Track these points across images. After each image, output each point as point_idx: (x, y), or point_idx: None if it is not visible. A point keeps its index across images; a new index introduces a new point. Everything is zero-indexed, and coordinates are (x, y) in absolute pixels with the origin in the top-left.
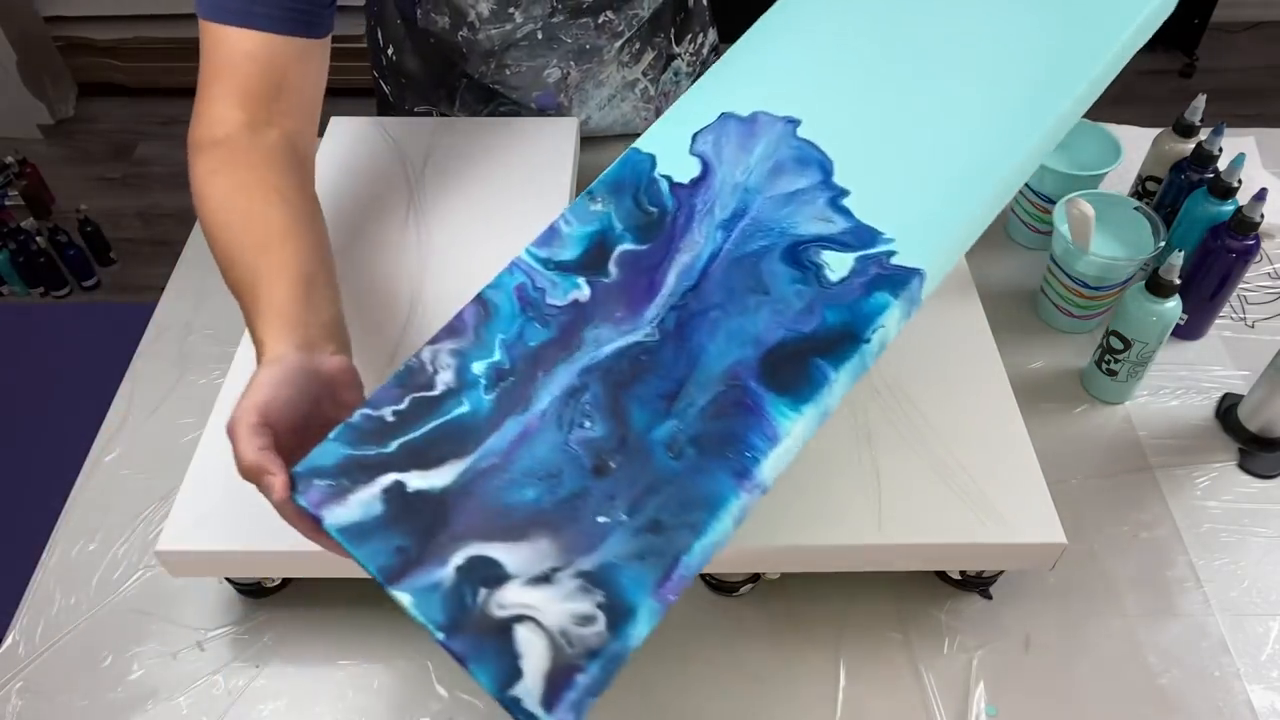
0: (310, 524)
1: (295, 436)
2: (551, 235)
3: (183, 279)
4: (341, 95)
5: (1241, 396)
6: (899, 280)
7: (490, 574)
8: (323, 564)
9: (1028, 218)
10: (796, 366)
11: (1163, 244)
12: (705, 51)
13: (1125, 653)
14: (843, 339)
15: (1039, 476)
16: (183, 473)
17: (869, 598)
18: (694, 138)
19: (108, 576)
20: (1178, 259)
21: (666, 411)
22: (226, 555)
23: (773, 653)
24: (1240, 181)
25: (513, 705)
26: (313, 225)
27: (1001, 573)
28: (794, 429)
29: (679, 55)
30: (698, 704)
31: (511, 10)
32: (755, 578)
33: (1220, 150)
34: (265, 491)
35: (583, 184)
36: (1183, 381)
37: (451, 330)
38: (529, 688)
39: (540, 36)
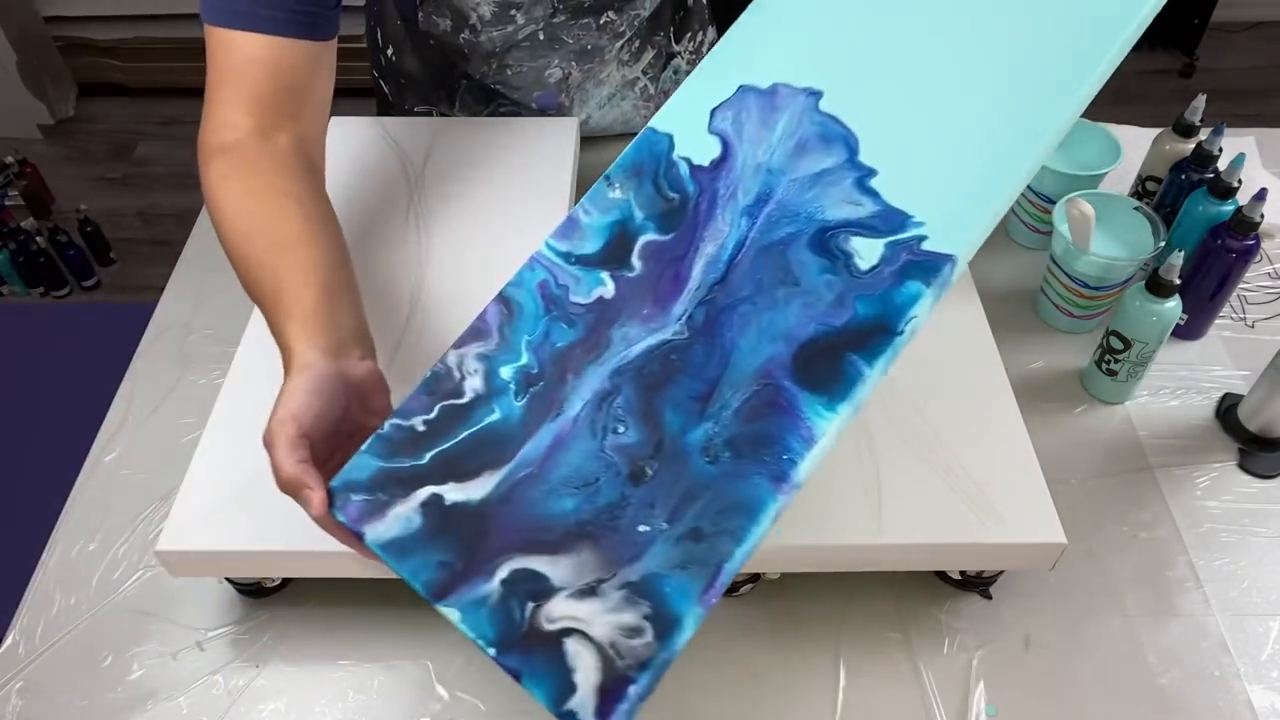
0: (350, 535)
1: (328, 444)
2: (571, 226)
3: (183, 279)
4: (341, 95)
5: (1241, 396)
6: (931, 267)
7: (536, 587)
8: (323, 564)
9: (1028, 218)
10: (830, 363)
11: (1163, 244)
12: (705, 49)
13: (1125, 653)
14: (876, 332)
15: (1039, 476)
16: (183, 473)
17: (869, 597)
18: (712, 114)
19: (108, 576)
20: (1178, 259)
21: (700, 414)
22: (226, 555)
23: (773, 652)
24: (1240, 181)
25: (568, 718)
26: (331, 228)
27: (1001, 573)
28: (830, 428)
29: (679, 54)
30: (698, 704)
31: (513, 12)
32: (755, 578)
33: (1220, 150)
34: (303, 505)
35: (583, 183)
36: (1183, 381)
37: (475, 332)
38: (583, 701)
39: (542, 37)
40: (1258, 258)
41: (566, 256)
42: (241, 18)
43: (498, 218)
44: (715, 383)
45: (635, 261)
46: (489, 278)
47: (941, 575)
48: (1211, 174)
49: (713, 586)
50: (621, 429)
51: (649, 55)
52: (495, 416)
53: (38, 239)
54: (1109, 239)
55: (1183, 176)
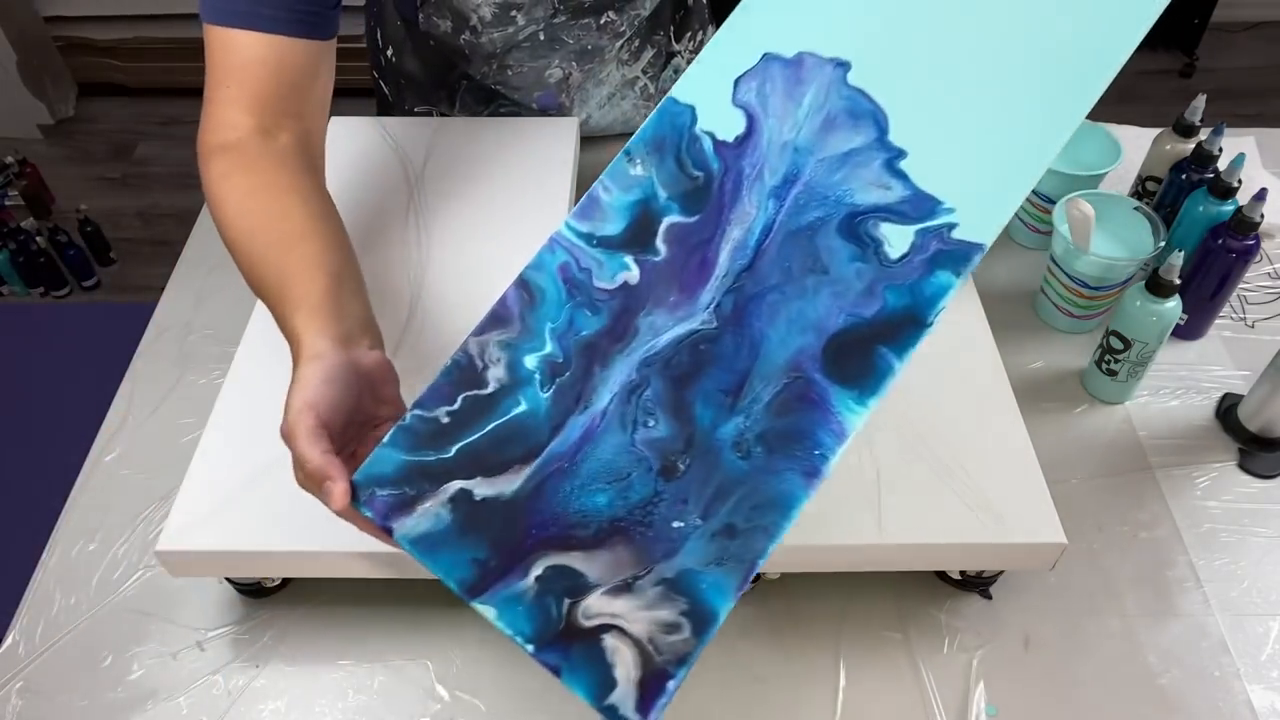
0: (372, 526)
1: (343, 435)
2: (591, 206)
3: (183, 279)
4: (341, 95)
5: (1241, 396)
6: (961, 257)
7: (571, 584)
8: (323, 564)
9: (1028, 218)
10: (860, 356)
11: (1163, 244)
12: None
13: (1125, 653)
14: (906, 324)
15: (1039, 476)
16: (183, 473)
17: (869, 597)
18: (735, 84)
19: (108, 576)
20: (1178, 259)
21: (731, 408)
22: (226, 555)
23: (773, 652)
24: (1240, 181)
25: (609, 713)
26: (334, 223)
27: (1001, 573)
28: (860, 422)
29: (679, 53)
30: (698, 704)
31: (513, 13)
32: (755, 578)
33: (1220, 150)
34: (325, 498)
35: (583, 183)
36: (1183, 381)
37: (496, 319)
38: (624, 696)
39: (542, 38)
40: (1258, 258)
41: (588, 238)
42: (241, 17)
43: (498, 218)
44: (745, 375)
45: (660, 245)
46: (489, 278)
47: (941, 575)
48: (1211, 174)
49: (746, 581)
50: (651, 422)
51: (649, 55)
52: (521, 408)
53: (38, 239)
54: (1109, 239)
55: (1183, 176)
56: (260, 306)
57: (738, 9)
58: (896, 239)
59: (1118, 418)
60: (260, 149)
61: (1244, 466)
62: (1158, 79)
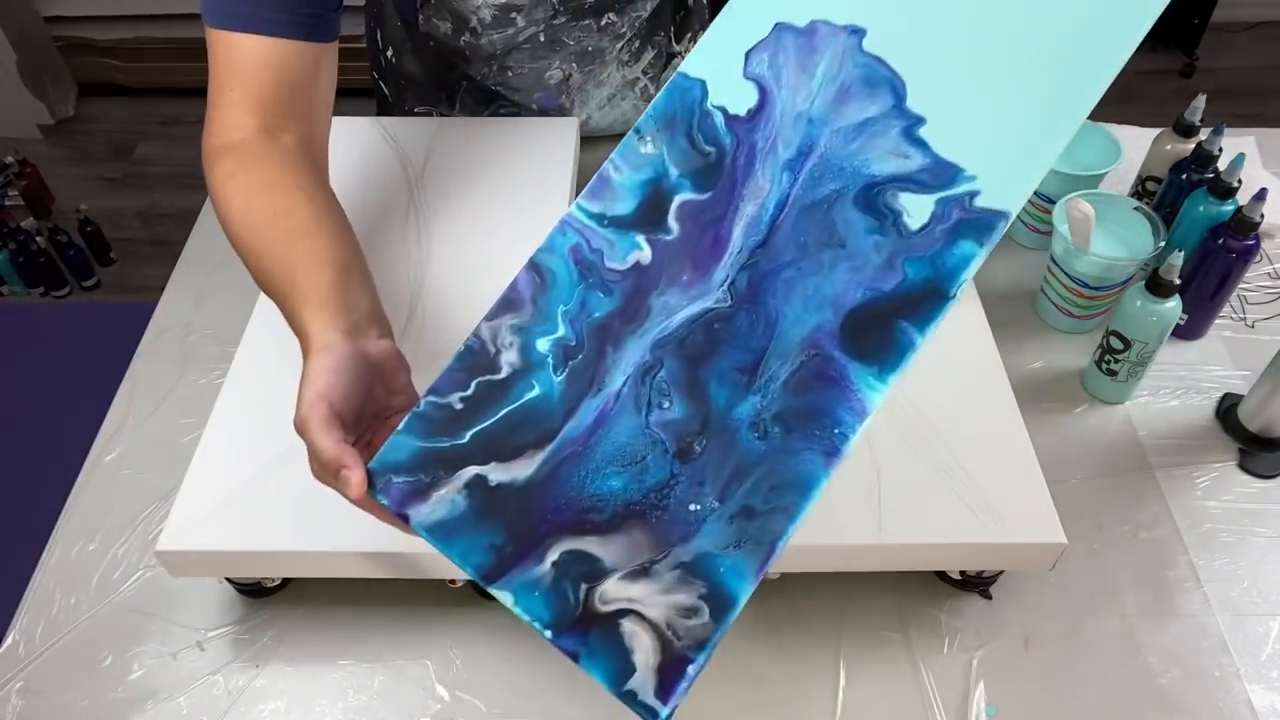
0: (389, 514)
1: (356, 425)
2: (601, 185)
3: (183, 279)
4: (342, 95)
5: (1241, 396)
6: (984, 225)
7: (588, 569)
8: (323, 564)
9: (1028, 218)
10: (880, 331)
11: (1163, 244)
12: None
13: (1125, 653)
14: (927, 297)
15: (1039, 476)
16: (183, 473)
17: (869, 597)
18: (747, 57)
19: (108, 576)
20: (1178, 259)
21: (747, 387)
22: (226, 555)
23: (773, 652)
24: (1240, 181)
25: (629, 699)
26: (339, 219)
27: (1001, 573)
28: (881, 400)
29: (679, 53)
30: (698, 704)
31: (513, 15)
32: None
33: (1220, 150)
34: (341, 487)
35: (583, 184)
36: (1183, 381)
37: (507, 303)
38: (643, 681)
39: (542, 39)
40: (1258, 258)
41: (599, 219)
42: (244, 20)
43: (498, 218)
44: (761, 354)
45: (672, 223)
46: (489, 278)
47: (941, 575)
48: (1211, 174)
49: (766, 563)
50: (666, 404)
51: (649, 55)
52: (535, 393)
53: (38, 239)
54: (1109, 239)
55: (1183, 176)
56: (260, 306)
57: None
58: (916, 209)
59: (1118, 418)
60: (264, 149)
61: (1244, 466)
62: (1158, 79)
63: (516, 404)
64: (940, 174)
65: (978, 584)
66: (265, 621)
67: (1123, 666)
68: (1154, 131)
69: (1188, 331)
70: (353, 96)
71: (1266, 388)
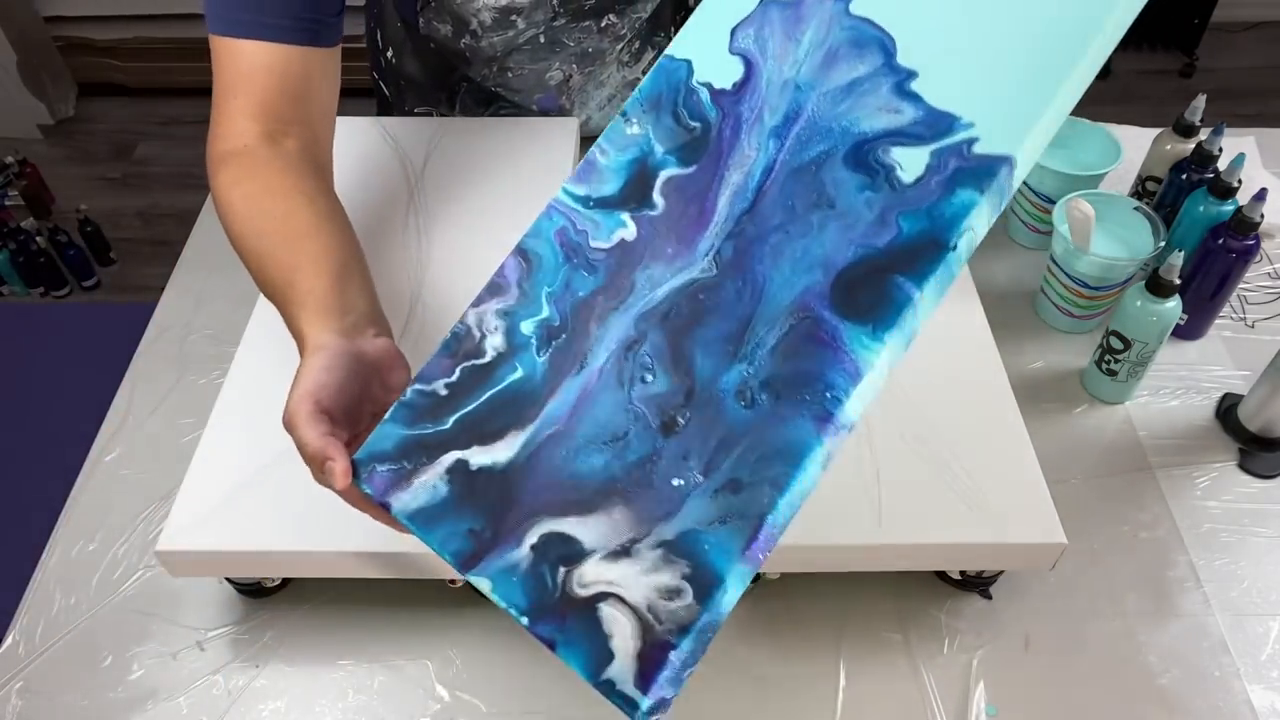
0: (377, 508)
1: (348, 421)
2: (588, 169)
3: (183, 279)
4: (342, 95)
5: (1241, 396)
6: (984, 172)
7: (567, 551)
8: (323, 564)
9: (1028, 218)
10: (874, 288)
11: (1163, 244)
12: None
13: (1125, 653)
14: (924, 249)
15: (1039, 476)
16: (183, 473)
17: (869, 598)
18: (732, 33)
19: (108, 576)
20: (1178, 259)
21: (733, 355)
22: (226, 555)
23: (773, 653)
24: (1240, 181)
25: (606, 689)
26: (340, 221)
27: (1001, 573)
28: (878, 360)
29: None
30: (698, 704)
31: (514, 17)
32: (755, 577)
33: (1220, 150)
34: (327, 478)
35: None
36: (1183, 381)
37: (494, 288)
38: (622, 669)
39: (542, 41)
40: (1258, 258)
41: (584, 200)
42: (246, 27)
43: (498, 218)
44: (748, 321)
45: (657, 199)
46: (489, 277)
47: (941, 575)
48: (1211, 174)
49: (756, 540)
50: (649, 378)
51: (649, 56)
52: (518, 374)
53: (38, 239)
54: (1109, 239)
55: (1183, 176)
56: (260, 306)
57: None
58: (910, 162)
59: (1118, 418)
60: (268, 155)
61: (1244, 466)
62: (1158, 79)
63: (499, 387)
64: (935, 125)
65: (978, 584)
66: (265, 621)
67: (1123, 666)
68: (1154, 131)
69: (1188, 331)
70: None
71: (1266, 388)
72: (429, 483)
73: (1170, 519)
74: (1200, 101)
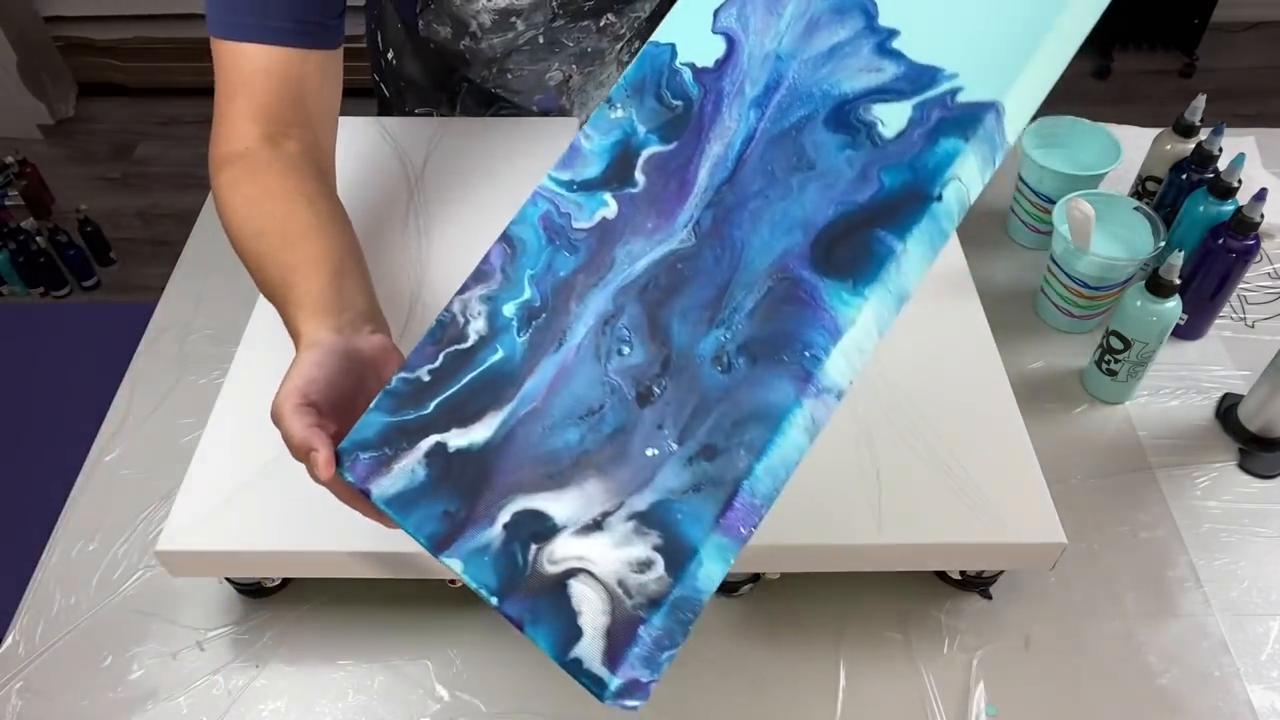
0: (359, 498)
1: (341, 416)
2: (573, 155)
3: (183, 279)
4: (343, 95)
5: (1241, 396)
6: (968, 119)
7: (539, 528)
8: (323, 564)
9: (1028, 218)
10: (854, 243)
11: (1163, 244)
12: None
13: (1125, 653)
14: (906, 201)
15: (1039, 476)
16: (183, 473)
17: (869, 598)
18: (715, 14)
19: (108, 576)
20: (1178, 259)
21: (710, 321)
22: (226, 555)
23: (773, 653)
24: (1240, 181)
25: (574, 668)
26: (340, 221)
27: (1001, 573)
28: (859, 316)
29: None
30: (698, 704)
31: (513, 19)
32: (755, 578)
33: (1220, 150)
34: (312, 469)
35: None
36: (1183, 381)
37: (479, 275)
38: (590, 647)
39: (542, 41)
40: (1258, 258)
41: (568, 185)
42: (247, 30)
43: (498, 218)
44: (725, 286)
45: (638, 176)
46: None
47: (941, 575)
48: (1211, 174)
49: (731, 509)
50: (626, 350)
51: None
52: (498, 356)
53: (38, 239)
54: (1109, 239)
55: (1183, 176)
56: (260, 306)
57: None
58: (891, 118)
59: (1118, 418)
60: (269, 157)
61: (1244, 466)
62: (1158, 79)
63: (480, 369)
64: (917, 79)
65: (978, 584)
66: (265, 621)
67: (1123, 666)
68: (1154, 131)
69: (1188, 331)
70: (353, 97)
71: (1266, 388)
72: (408, 467)
73: (1170, 519)
74: (1200, 101)
